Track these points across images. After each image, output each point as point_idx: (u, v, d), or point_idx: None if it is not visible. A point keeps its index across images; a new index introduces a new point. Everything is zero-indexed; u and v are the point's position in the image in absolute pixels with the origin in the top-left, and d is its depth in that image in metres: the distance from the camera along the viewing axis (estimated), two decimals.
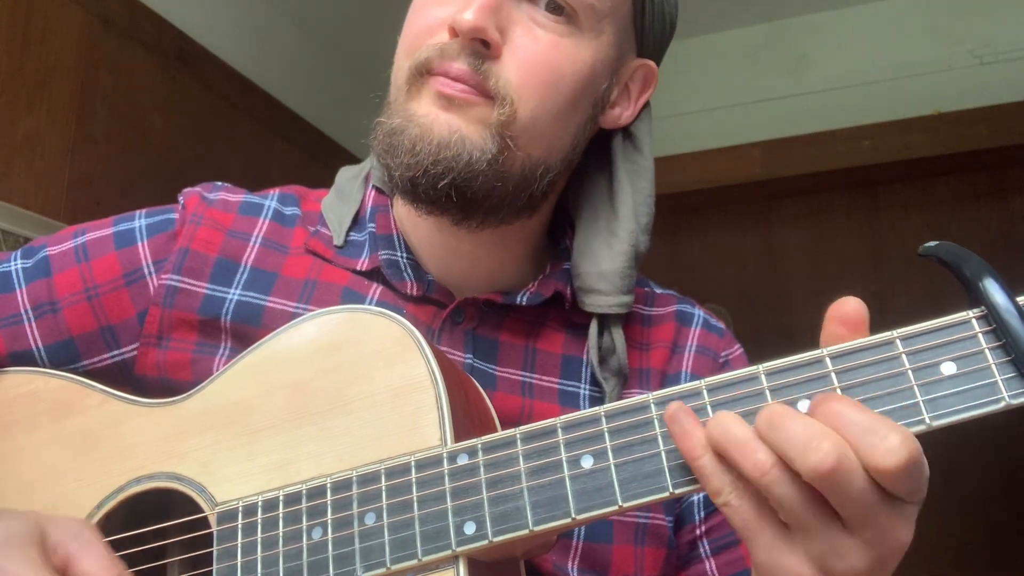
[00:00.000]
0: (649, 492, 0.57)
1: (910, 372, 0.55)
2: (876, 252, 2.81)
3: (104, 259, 0.85)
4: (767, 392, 0.57)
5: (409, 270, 0.84)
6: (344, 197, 0.91)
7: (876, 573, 0.54)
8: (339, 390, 0.69)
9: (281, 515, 0.67)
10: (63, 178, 1.97)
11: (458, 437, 0.64)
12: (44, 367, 0.84)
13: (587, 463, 0.59)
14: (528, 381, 0.83)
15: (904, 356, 0.56)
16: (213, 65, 2.46)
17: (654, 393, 0.60)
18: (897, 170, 2.76)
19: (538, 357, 0.84)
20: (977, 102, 2.61)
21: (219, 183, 0.93)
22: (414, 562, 0.61)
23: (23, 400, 0.80)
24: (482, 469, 0.61)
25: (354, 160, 0.98)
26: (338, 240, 0.86)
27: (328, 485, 0.66)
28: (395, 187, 0.80)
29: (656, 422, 0.59)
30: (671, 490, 0.57)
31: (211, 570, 0.68)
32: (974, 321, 0.55)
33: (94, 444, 0.76)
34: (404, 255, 0.85)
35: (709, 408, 0.58)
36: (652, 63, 0.88)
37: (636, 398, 0.60)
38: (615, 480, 0.58)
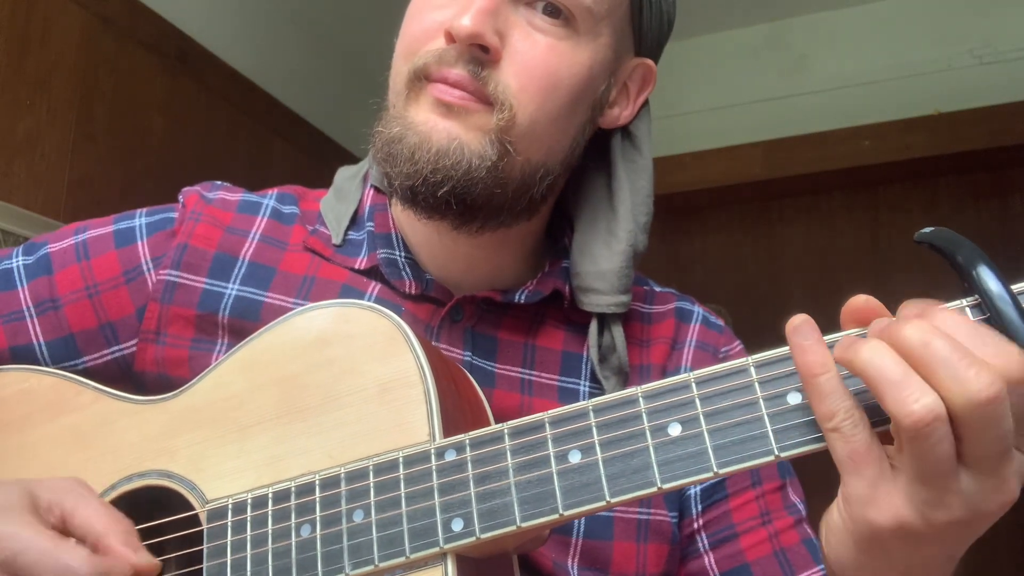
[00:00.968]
0: (636, 487, 0.57)
1: None
2: (876, 252, 2.80)
3: (104, 257, 0.86)
4: (756, 384, 0.57)
5: (407, 269, 0.84)
6: (342, 196, 0.91)
7: (968, 532, 0.53)
8: (328, 385, 0.69)
9: (270, 512, 0.67)
10: (63, 178, 1.97)
11: (448, 432, 0.64)
12: (45, 362, 0.85)
13: (575, 458, 0.59)
14: (527, 378, 0.83)
15: None
16: (213, 65, 2.46)
17: (642, 387, 0.60)
18: (897, 170, 2.75)
19: (537, 354, 0.84)
20: (977, 102, 2.60)
21: (218, 182, 0.94)
22: (402, 559, 0.61)
23: (16, 398, 0.80)
24: (470, 465, 0.61)
25: (354, 160, 0.98)
26: (336, 239, 0.87)
27: (317, 482, 0.66)
28: (394, 194, 0.80)
29: (644, 416, 0.59)
30: (659, 485, 0.57)
31: (201, 567, 0.68)
32: (968, 309, 0.54)
33: (87, 442, 0.76)
34: (402, 254, 0.85)
35: (698, 402, 0.58)
36: (650, 62, 0.88)
37: (624, 392, 0.60)
38: (603, 475, 0.58)
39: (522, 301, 0.84)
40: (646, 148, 0.89)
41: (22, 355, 0.85)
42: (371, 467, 0.64)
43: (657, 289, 0.95)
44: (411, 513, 0.62)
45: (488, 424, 0.72)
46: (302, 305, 0.81)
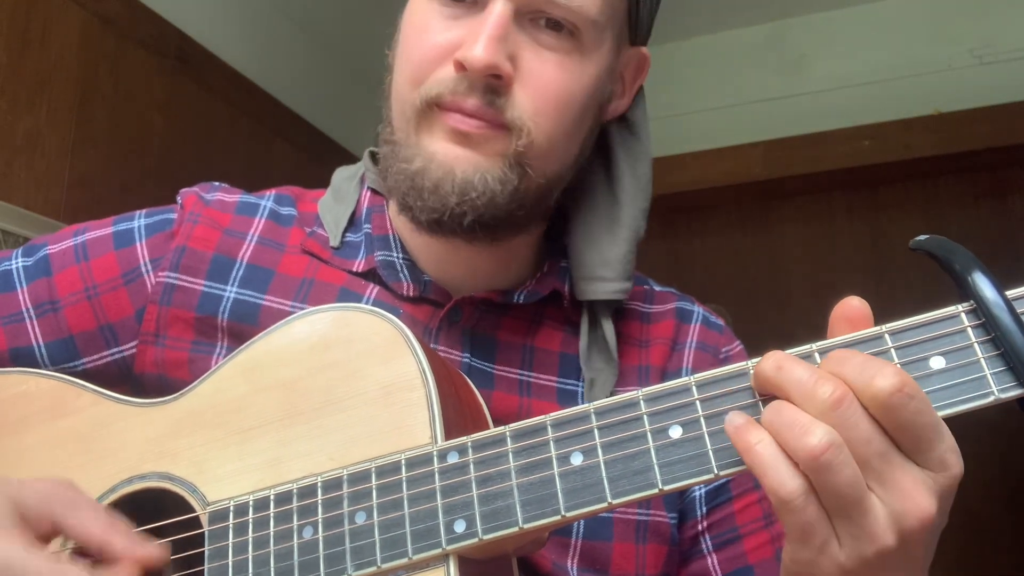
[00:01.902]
0: (638, 489, 0.57)
1: (899, 366, 0.55)
2: (876, 252, 2.80)
3: (103, 259, 0.86)
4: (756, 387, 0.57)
5: (405, 270, 0.84)
6: (340, 198, 0.91)
7: (905, 553, 0.53)
8: (330, 388, 0.69)
9: (272, 514, 0.66)
10: (63, 178, 1.97)
11: (449, 435, 0.64)
12: (45, 363, 0.85)
13: (576, 460, 0.59)
14: (526, 380, 0.83)
15: (893, 351, 0.56)
16: (213, 65, 2.46)
17: (643, 390, 0.60)
18: (897, 170, 2.76)
19: (536, 355, 0.84)
20: (977, 102, 2.60)
21: (216, 183, 0.94)
22: (404, 560, 0.61)
23: (15, 401, 0.80)
24: (472, 467, 0.61)
25: (354, 160, 0.98)
26: (334, 241, 0.86)
27: (319, 484, 0.66)
28: (417, 226, 0.80)
29: (645, 419, 0.59)
30: (660, 487, 0.57)
31: (203, 569, 0.68)
32: (963, 315, 0.55)
33: (86, 444, 0.76)
34: (400, 256, 0.85)
35: (699, 405, 0.58)
36: (644, 50, 0.88)
37: (625, 395, 0.60)
38: (604, 477, 0.58)
39: (521, 301, 0.84)
40: (644, 133, 0.89)
41: (22, 357, 0.85)
42: (373, 469, 0.64)
43: (657, 289, 0.94)
44: (413, 515, 0.62)
45: (487, 427, 0.72)
46: (300, 308, 0.81)
